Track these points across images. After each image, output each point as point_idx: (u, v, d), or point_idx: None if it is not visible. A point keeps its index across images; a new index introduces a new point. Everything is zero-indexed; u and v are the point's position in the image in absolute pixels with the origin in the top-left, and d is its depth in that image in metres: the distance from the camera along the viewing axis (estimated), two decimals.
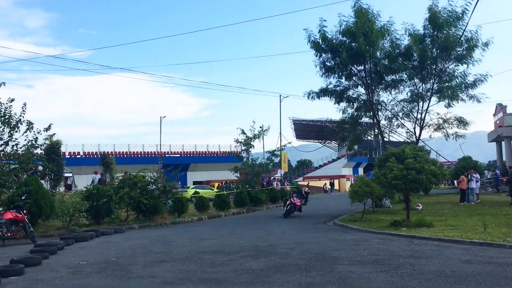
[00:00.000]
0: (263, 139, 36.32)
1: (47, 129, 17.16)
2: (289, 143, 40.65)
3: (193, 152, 63.90)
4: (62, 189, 27.45)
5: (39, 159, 18.59)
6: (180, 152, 62.72)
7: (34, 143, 16.37)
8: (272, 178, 38.26)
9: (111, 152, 54.64)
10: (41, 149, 17.61)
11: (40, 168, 20.93)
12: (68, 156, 51.86)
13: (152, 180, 21.27)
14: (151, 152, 59.03)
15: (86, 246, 12.69)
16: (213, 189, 37.36)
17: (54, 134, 18.55)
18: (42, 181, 19.69)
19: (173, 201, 21.71)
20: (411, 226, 14.84)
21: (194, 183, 50.71)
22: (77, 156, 53.61)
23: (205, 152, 64.67)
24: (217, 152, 64.54)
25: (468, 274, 7.65)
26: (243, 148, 30.49)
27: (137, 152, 59.38)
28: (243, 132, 29.67)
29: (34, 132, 16.46)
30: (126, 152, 58.59)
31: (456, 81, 22.73)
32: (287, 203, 22.20)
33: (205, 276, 8.05)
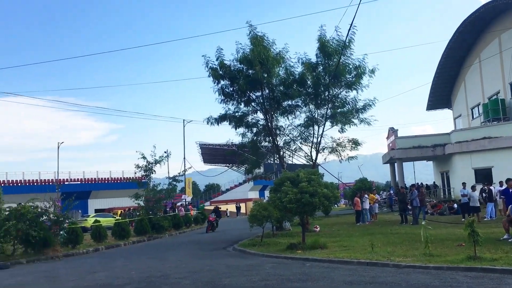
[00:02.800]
0: (167, 164, 35.85)
1: None
2: (189, 167, 40.38)
3: (95, 179, 61.52)
4: None
5: None
6: (81, 179, 60.22)
7: None
8: (175, 204, 37.69)
9: (3, 181, 51.22)
10: None
11: None
12: None
13: (43, 211, 20.02)
14: (48, 180, 55.99)
15: None
16: (115, 217, 36.03)
17: None
18: None
19: (66, 232, 20.56)
20: (306, 248, 15.19)
21: (96, 211, 48.66)
22: None
23: (108, 178, 62.49)
24: (120, 178, 62.60)
25: None
26: (144, 173, 29.73)
27: (32, 180, 56.00)
28: (143, 157, 29.01)
29: None
30: (20, 180, 55.10)
31: (348, 107, 23.93)
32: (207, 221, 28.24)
33: None
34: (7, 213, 19.23)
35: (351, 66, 22.75)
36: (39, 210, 19.65)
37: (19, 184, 53.85)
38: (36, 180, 56.24)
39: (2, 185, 35.71)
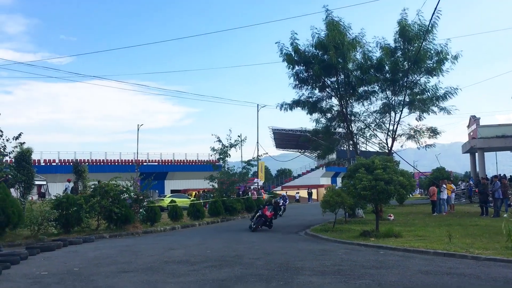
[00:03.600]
0: (241, 148, 36.40)
1: (16, 138, 17.05)
2: (266, 153, 40.70)
3: (171, 160, 63.60)
4: (35, 197, 27.10)
5: (7, 167, 18.36)
6: (158, 160, 62.40)
7: (2, 150, 16.21)
8: (248, 187, 38.26)
9: (88, 160, 54.22)
10: (9, 157, 17.42)
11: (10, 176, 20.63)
12: (43, 164, 51.27)
13: (125, 189, 21.09)
14: (128, 160, 58.55)
15: (51, 256, 12.52)
16: (190, 198, 37.20)
17: (24, 142, 18.35)
18: (12, 190, 19.41)
19: (145, 210, 21.55)
20: (379, 236, 14.99)
21: (172, 191, 50.39)
22: (52, 164, 52.92)
23: (183, 160, 64.42)
24: (195, 160, 64.36)
25: (424, 285, 7.79)
26: (219, 157, 30.40)
27: (114, 160, 58.86)
28: (219, 140, 29.64)
29: (3, 140, 16.33)
30: (103, 160, 58.06)
31: (428, 94, 23.13)
32: (257, 215, 19.92)
33: (165, 286, 8.02)
34: (92, 190, 20.48)
35: (432, 52, 21.95)
36: (121, 188, 20.70)
37: (102, 164, 56.78)
38: (117, 160, 59.04)
39: (87, 164, 37.77)
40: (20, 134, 17.17)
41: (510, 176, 39.77)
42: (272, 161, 72.74)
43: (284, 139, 77.25)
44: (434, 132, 24.21)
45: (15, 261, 10.85)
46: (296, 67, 23.74)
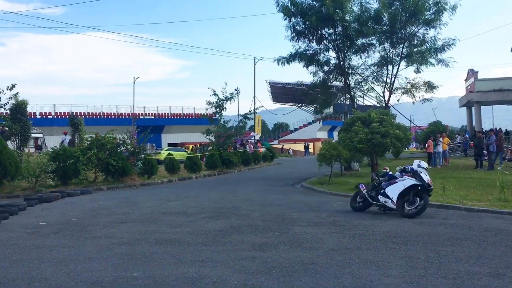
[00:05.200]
0: (238, 102, 36.26)
1: (10, 88, 16.90)
2: (261, 106, 40.55)
3: (168, 114, 63.38)
4: (32, 149, 27.12)
5: (3, 119, 18.27)
6: (155, 113, 62.20)
7: None
8: (246, 140, 38.35)
9: (84, 113, 53.96)
10: (4, 109, 17.32)
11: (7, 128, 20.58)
12: (39, 117, 51.02)
13: (121, 142, 21.11)
14: (124, 113, 58.36)
15: (49, 207, 12.66)
16: (187, 151, 37.31)
17: (18, 93, 18.21)
18: (9, 142, 19.40)
19: (142, 163, 21.63)
20: None
21: (169, 145, 50.49)
22: (49, 117, 52.69)
23: (180, 114, 64.22)
24: (192, 114, 64.17)
25: (418, 235, 7.91)
26: (215, 110, 30.30)
27: (110, 113, 58.59)
28: (214, 94, 29.44)
29: None
30: (99, 113, 57.81)
31: (426, 46, 22.90)
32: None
33: (162, 236, 8.13)
34: (88, 142, 20.49)
35: (430, 2, 21.59)
36: (118, 141, 20.71)
37: (98, 117, 56.60)
38: (114, 113, 58.78)
39: (83, 117, 37.66)
40: (13, 85, 16.99)
41: (506, 130, 39.95)
42: (269, 115, 72.75)
43: (281, 92, 76.85)
44: (430, 86, 24.10)
45: (14, 212, 10.96)
46: (293, 19, 23.36)
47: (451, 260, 6.22)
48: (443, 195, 12.70)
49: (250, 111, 34.47)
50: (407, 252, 6.68)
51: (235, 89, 31.31)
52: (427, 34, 22.85)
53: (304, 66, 24.72)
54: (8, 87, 16.81)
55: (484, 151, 23.59)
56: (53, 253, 6.95)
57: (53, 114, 53.43)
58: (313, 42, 24.19)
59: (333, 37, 23.65)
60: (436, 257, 6.38)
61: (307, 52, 24.41)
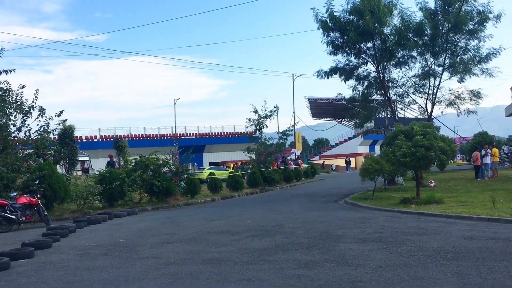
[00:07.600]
0: (277, 119, 36.36)
1: (58, 115, 17.55)
2: (298, 122, 40.56)
3: (209, 133, 64.18)
4: (79, 173, 27.97)
5: (52, 144, 18.94)
6: (196, 133, 63.09)
7: (46, 128, 16.75)
8: (285, 157, 38.27)
9: (127, 135, 55.34)
10: (53, 134, 17.97)
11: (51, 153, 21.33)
12: (85, 140, 52.65)
13: (164, 163, 21.49)
14: (166, 134, 59.49)
15: (97, 229, 12.97)
16: (228, 170, 37.61)
17: (66, 119, 18.86)
18: (57, 166, 20.09)
19: (186, 183, 21.95)
20: (420, 203, 14.82)
21: (210, 164, 51.02)
22: (94, 140, 54.32)
23: (220, 133, 64.91)
24: (232, 133, 64.74)
25: (468, 250, 7.67)
26: (255, 128, 30.48)
27: (152, 134, 59.87)
28: (255, 111, 29.62)
29: (45, 117, 16.85)
30: (142, 135, 59.15)
31: (469, 55, 22.39)
32: None
33: (208, 256, 8.19)
34: (133, 164, 20.97)
35: (474, 13, 21.15)
36: (161, 162, 21.11)
37: (141, 138, 57.88)
38: (156, 134, 60.04)
39: (126, 139, 38.59)
40: (61, 112, 17.64)
41: None
42: (309, 131, 72.46)
43: (320, 108, 76.62)
44: (476, 95, 23.45)
45: (64, 234, 11.30)
46: (332, 34, 23.30)
47: (505, 276, 6.00)
48: (493, 208, 12.27)
49: (289, 127, 34.45)
50: (458, 268, 6.48)
51: (274, 107, 31.48)
52: (470, 44, 22.35)
53: (342, 80, 24.61)
54: (56, 113, 17.46)
55: None
56: (103, 274, 7.11)
57: (98, 137, 55.03)
58: (351, 56, 24.08)
59: (372, 51, 23.46)
60: (490, 273, 6.16)
61: (347, 66, 24.30)
